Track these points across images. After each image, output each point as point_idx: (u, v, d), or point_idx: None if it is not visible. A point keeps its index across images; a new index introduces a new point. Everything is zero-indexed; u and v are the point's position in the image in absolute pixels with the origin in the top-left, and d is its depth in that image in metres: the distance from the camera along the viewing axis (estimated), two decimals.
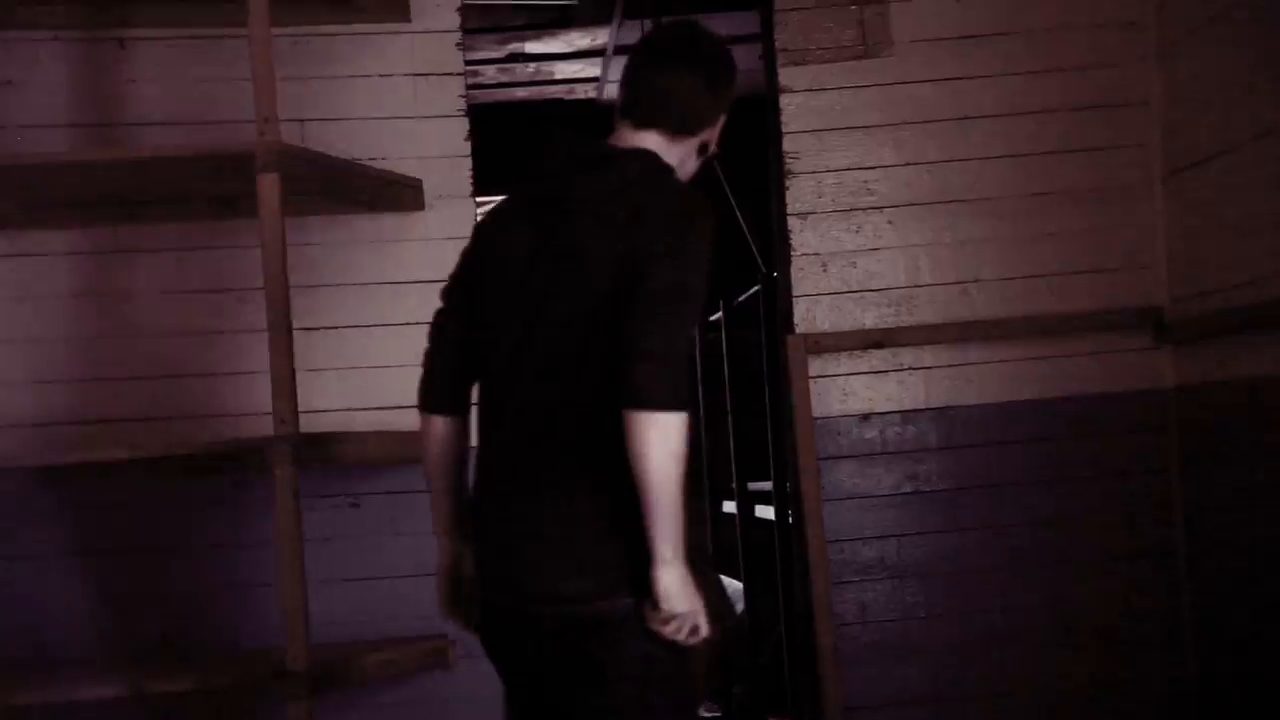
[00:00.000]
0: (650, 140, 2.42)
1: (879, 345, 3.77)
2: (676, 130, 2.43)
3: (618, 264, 2.22)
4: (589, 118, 6.71)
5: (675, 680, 2.30)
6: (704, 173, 2.60)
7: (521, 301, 2.35)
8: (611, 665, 2.25)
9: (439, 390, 2.55)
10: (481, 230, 2.53)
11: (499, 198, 2.57)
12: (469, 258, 2.52)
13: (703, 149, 2.49)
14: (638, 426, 2.14)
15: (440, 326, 2.55)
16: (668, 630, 2.23)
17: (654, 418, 2.13)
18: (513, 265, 2.38)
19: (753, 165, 4.06)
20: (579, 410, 2.25)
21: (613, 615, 2.23)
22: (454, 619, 2.61)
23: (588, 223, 2.29)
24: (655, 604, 2.21)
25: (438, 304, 2.54)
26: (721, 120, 2.51)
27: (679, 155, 2.44)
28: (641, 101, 2.43)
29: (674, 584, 2.20)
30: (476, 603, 2.46)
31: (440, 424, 2.55)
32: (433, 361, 2.55)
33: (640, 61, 2.47)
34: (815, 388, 3.77)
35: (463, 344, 2.50)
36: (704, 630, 2.25)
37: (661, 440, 2.14)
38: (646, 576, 2.20)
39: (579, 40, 5.81)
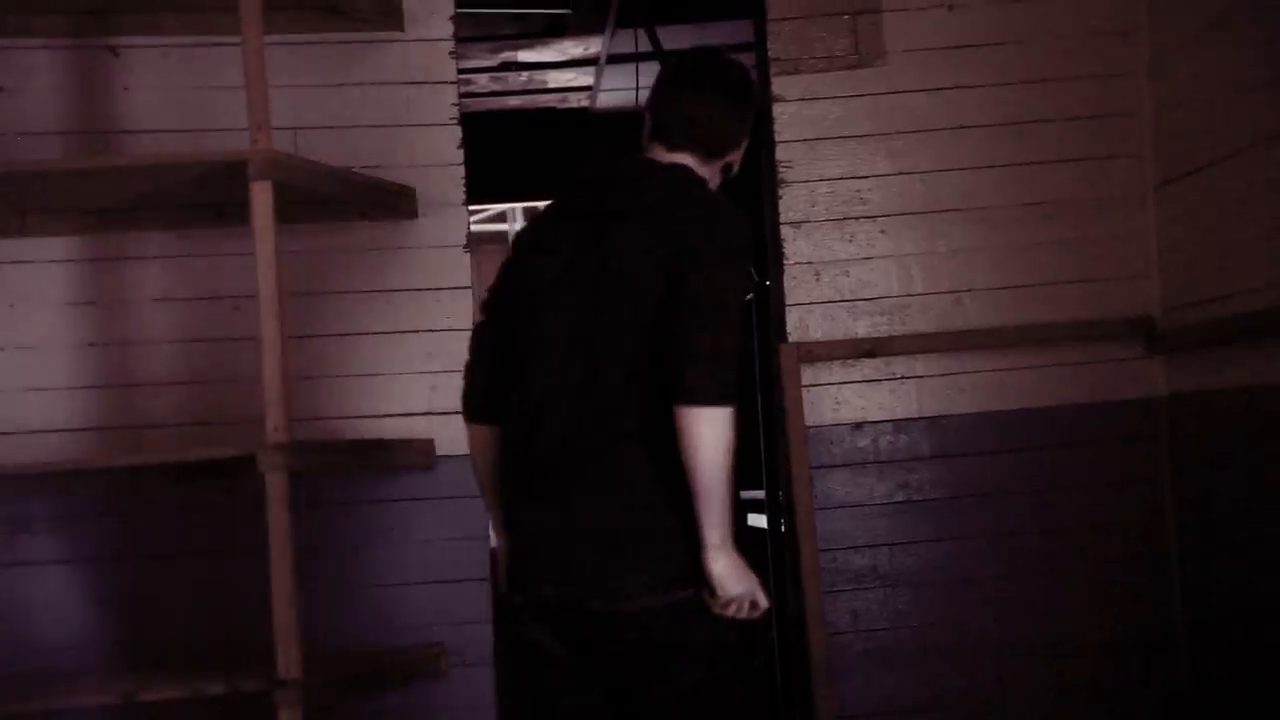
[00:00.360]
0: (684, 160, 2.54)
1: (871, 354, 3.77)
2: (707, 154, 2.56)
3: (662, 270, 2.33)
4: (582, 126, 6.73)
5: (739, 649, 2.42)
6: None
7: (568, 308, 2.43)
8: (678, 652, 2.35)
9: (481, 401, 2.61)
10: (523, 241, 2.61)
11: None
12: (510, 268, 2.60)
13: (727, 169, 2.62)
14: (689, 421, 2.25)
15: (480, 338, 2.62)
16: (729, 612, 2.34)
17: (705, 412, 2.25)
18: (557, 273, 2.46)
19: (745, 174, 4.06)
20: (631, 410, 2.34)
21: (675, 607, 2.33)
22: None
23: (632, 231, 2.39)
24: (712, 591, 2.32)
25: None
26: (746, 142, 2.63)
27: (707, 174, 2.57)
28: (673, 127, 2.55)
29: (726, 568, 2.31)
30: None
31: (485, 433, 2.61)
32: (474, 373, 2.62)
33: (670, 89, 2.58)
34: (808, 396, 3.78)
35: (503, 353, 2.55)
36: (763, 603, 2.36)
37: (712, 433, 2.25)
38: (700, 565, 2.31)
39: (572, 49, 5.82)
